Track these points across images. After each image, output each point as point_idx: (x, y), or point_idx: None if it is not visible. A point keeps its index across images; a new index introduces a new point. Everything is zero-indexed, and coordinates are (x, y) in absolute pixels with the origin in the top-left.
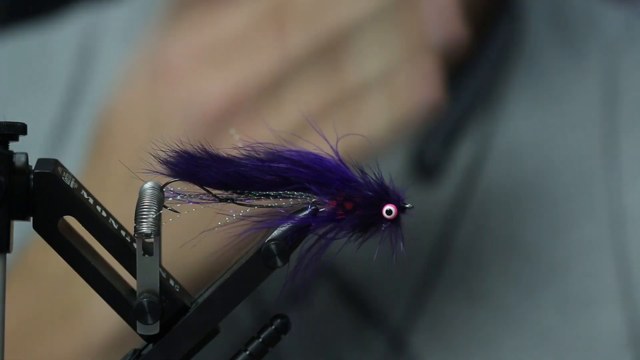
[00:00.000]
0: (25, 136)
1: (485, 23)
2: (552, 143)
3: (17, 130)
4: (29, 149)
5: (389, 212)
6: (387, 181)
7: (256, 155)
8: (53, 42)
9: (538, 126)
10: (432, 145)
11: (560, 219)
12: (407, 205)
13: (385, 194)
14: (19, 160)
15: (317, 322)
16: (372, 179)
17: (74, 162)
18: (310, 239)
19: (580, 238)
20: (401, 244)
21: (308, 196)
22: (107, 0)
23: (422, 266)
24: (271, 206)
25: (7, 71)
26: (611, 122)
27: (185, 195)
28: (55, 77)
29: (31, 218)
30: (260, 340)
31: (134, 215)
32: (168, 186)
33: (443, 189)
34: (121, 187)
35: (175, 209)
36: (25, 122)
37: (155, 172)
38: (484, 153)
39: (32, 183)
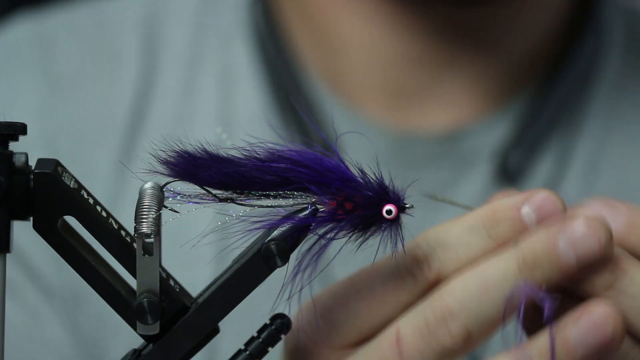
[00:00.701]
0: (103, 126)
1: (572, 36)
2: (633, 167)
3: (17, 130)
4: (107, 139)
5: (389, 212)
6: (387, 181)
7: (256, 155)
8: (114, 21)
9: (617, 146)
10: (516, 152)
11: None
12: (407, 205)
13: (385, 194)
14: (18, 160)
15: None
16: (372, 179)
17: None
18: (310, 239)
19: None
20: (401, 244)
21: (308, 196)
22: None
23: None
24: (271, 206)
25: (69, 47)
26: None
27: (185, 195)
28: (124, 60)
29: (31, 218)
30: (260, 340)
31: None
32: (168, 186)
33: None
34: None
35: (175, 209)
36: (100, 110)
37: (155, 172)
38: (564, 169)
39: (32, 183)
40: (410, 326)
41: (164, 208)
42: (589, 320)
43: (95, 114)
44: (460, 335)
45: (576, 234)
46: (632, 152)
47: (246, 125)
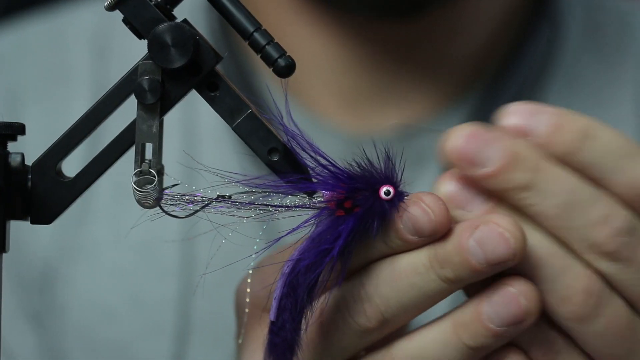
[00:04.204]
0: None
1: (525, 29)
2: None
3: (15, 130)
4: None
5: (387, 192)
6: (372, 165)
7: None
8: (64, 31)
9: None
10: None
11: None
12: (402, 191)
13: (376, 181)
14: (15, 161)
15: None
16: (352, 171)
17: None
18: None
19: None
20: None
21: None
22: None
23: None
24: (270, 205)
25: (19, 64)
26: None
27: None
28: (76, 72)
29: (28, 218)
30: None
31: None
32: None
33: None
34: None
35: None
36: (55, 128)
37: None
38: None
39: (29, 183)
40: (331, 302)
41: (160, 211)
42: (502, 294)
43: (50, 132)
44: (375, 317)
45: (485, 238)
46: None
47: (210, 133)
